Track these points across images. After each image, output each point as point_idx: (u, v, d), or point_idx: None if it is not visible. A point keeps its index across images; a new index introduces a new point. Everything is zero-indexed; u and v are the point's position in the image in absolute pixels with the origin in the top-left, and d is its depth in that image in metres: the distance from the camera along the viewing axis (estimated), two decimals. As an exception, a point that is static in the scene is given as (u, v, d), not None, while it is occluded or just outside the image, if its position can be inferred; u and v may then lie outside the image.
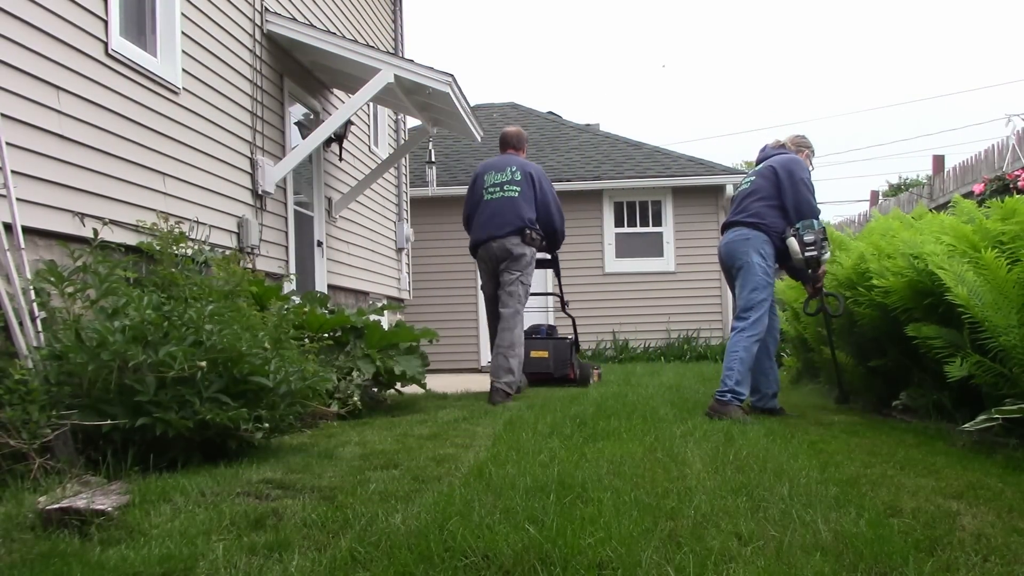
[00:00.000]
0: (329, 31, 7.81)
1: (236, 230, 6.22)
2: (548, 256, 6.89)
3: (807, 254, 4.94)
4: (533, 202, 6.16)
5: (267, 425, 3.48)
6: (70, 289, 3.60)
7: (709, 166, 12.81)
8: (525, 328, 6.53)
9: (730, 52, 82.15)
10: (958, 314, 4.11)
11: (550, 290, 9.18)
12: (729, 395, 4.72)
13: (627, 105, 71.80)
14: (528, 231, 6.12)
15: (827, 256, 5.02)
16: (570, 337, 7.72)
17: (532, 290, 6.44)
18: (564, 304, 7.69)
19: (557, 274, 7.44)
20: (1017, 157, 7.33)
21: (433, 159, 10.93)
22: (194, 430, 3.27)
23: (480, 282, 6.61)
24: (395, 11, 11.44)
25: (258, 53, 6.78)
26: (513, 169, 6.23)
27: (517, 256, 6.11)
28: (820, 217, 5.02)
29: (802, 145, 5.36)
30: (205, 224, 5.58)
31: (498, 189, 6.21)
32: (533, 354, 7.35)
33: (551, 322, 11.38)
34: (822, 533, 2.34)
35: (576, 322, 8.26)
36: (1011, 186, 6.76)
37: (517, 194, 6.14)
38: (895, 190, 24.75)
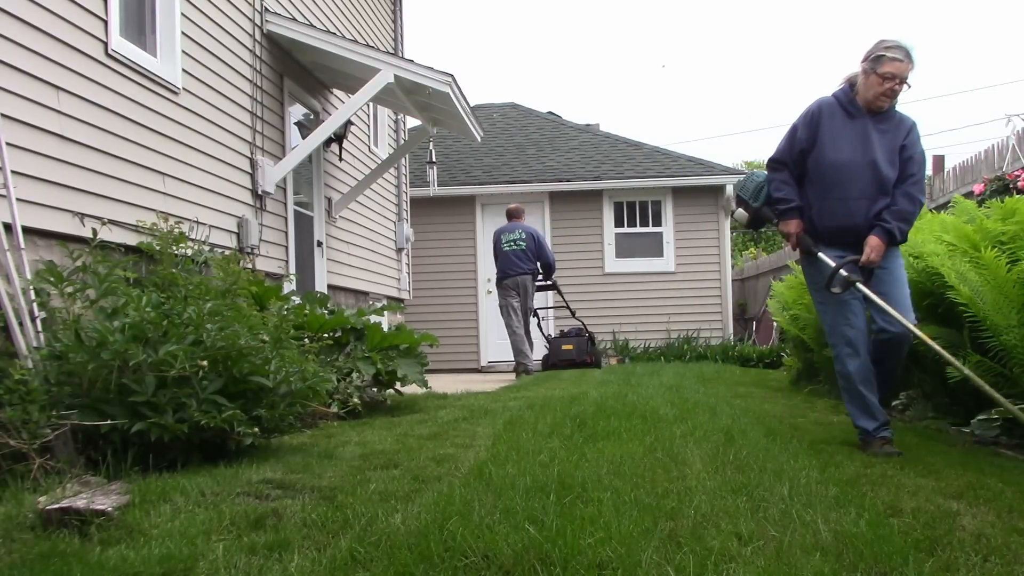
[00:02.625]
0: (329, 31, 7.81)
1: (236, 230, 6.22)
2: (548, 282, 10.31)
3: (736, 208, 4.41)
4: (534, 251, 9.85)
5: (256, 430, 3.47)
6: (70, 289, 3.60)
7: (709, 166, 12.79)
8: (565, 330, 10.92)
9: (730, 52, 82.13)
10: (958, 314, 4.11)
11: (550, 304, 11.99)
12: (859, 434, 3.96)
13: (627, 105, 71.79)
14: (534, 271, 9.87)
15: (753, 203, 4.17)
16: (586, 334, 10.63)
17: (545, 303, 11.62)
18: (573, 312, 10.82)
19: (559, 293, 10.74)
20: (1017, 157, 7.33)
21: (433, 159, 10.93)
22: (190, 433, 3.27)
23: (502, 294, 9.89)
24: (395, 11, 11.43)
25: (258, 53, 6.78)
26: (520, 232, 9.92)
27: (529, 287, 9.85)
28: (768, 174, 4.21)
29: (864, 60, 3.96)
30: (205, 224, 5.58)
31: (513, 244, 9.84)
32: (563, 347, 10.48)
33: (553, 324, 11.72)
34: (822, 533, 2.34)
35: (585, 323, 10.91)
36: (1011, 186, 6.76)
37: (524, 247, 9.81)
38: (895, 190, 24.57)
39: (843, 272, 3.77)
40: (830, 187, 3.92)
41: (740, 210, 4.24)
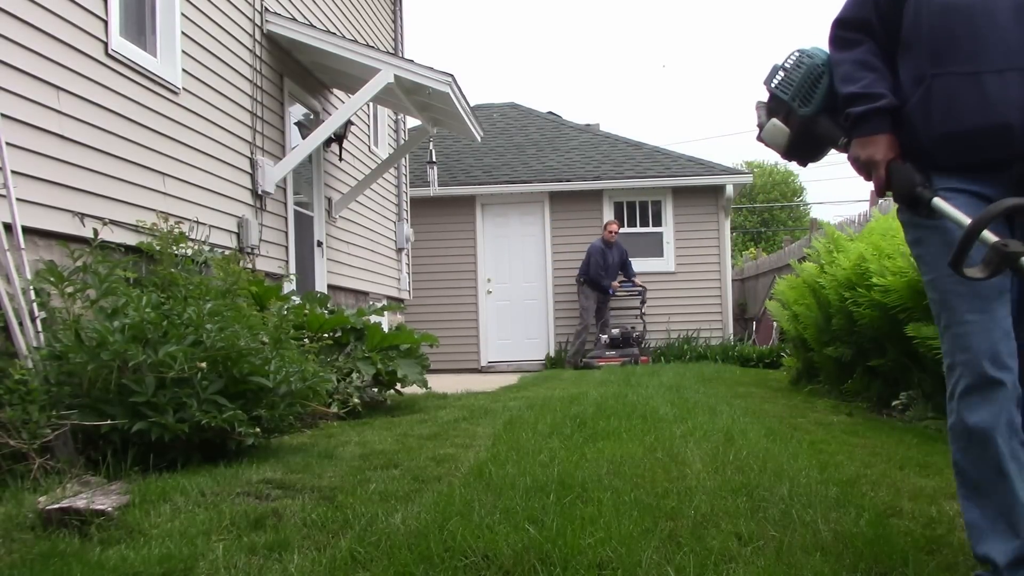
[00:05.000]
0: (329, 31, 7.81)
1: (236, 230, 6.22)
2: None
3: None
4: (585, 265, 11.68)
5: (257, 430, 3.47)
6: (70, 289, 3.60)
7: (709, 166, 12.78)
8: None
9: (730, 52, 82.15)
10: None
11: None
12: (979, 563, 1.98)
13: (627, 105, 71.80)
14: (577, 278, 11.82)
15: (804, 110, 2.21)
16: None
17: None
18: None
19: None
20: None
21: (433, 159, 10.93)
22: (191, 433, 3.27)
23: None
24: (395, 11, 11.43)
25: (258, 53, 6.78)
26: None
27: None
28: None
29: None
30: (205, 224, 5.58)
31: None
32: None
33: (550, 318, 11.69)
34: (822, 533, 2.34)
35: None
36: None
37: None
38: (895, 190, 24.52)
39: (990, 236, 1.79)
40: (946, 54, 2.01)
41: (775, 123, 2.28)
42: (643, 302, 11.92)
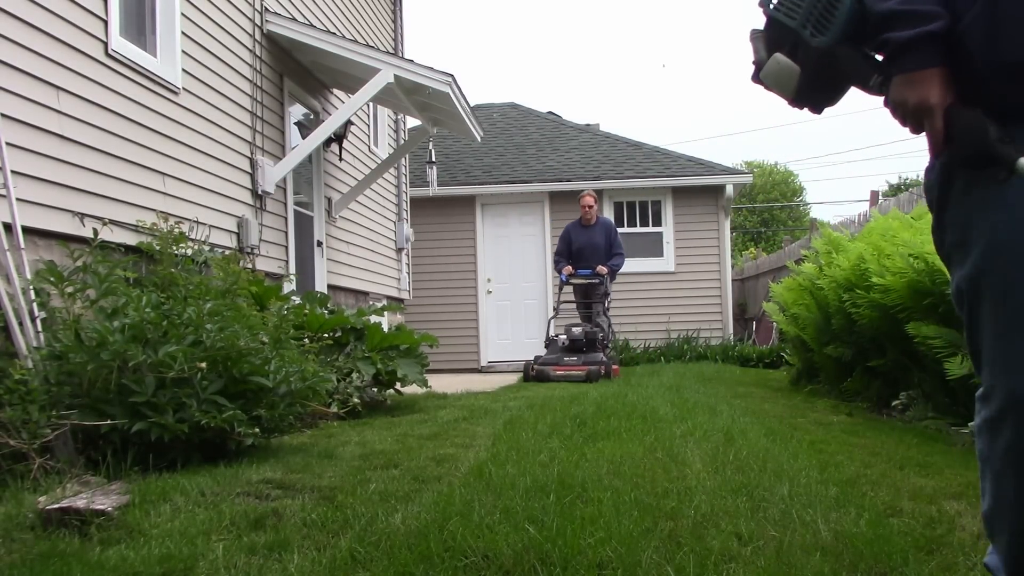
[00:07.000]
0: (329, 31, 7.81)
1: (236, 230, 6.22)
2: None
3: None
4: None
5: (256, 430, 3.47)
6: (70, 289, 3.60)
7: (709, 166, 12.78)
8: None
9: (730, 52, 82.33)
10: (958, 314, 4.11)
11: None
12: None
13: (627, 105, 71.93)
14: None
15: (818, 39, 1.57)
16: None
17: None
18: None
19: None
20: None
21: (433, 159, 10.93)
22: (190, 433, 3.27)
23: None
24: (395, 11, 11.43)
25: (258, 53, 6.77)
26: None
27: None
28: None
29: None
30: (205, 224, 5.58)
31: None
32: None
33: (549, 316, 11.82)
34: (822, 533, 2.34)
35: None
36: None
37: None
38: (895, 190, 24.79)
39: None
40: None
41: (778, 59, 1.63)
42: (605, 295, 9.42)
